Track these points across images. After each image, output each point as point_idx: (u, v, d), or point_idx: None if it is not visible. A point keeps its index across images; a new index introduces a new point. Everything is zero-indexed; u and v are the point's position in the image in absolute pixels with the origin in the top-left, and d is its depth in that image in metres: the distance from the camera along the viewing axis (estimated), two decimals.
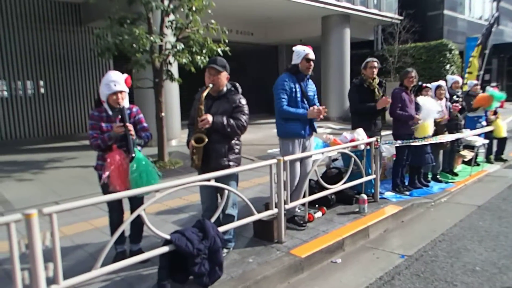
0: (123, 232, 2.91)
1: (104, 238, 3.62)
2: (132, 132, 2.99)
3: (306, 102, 3.95)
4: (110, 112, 3.10)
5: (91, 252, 3.49)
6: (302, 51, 3.88)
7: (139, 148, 3.09)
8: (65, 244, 3.56)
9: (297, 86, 3.89)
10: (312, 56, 3.89)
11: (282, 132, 3.96)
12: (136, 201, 3.09)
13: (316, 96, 4.11)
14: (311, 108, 3.85)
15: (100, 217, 4.15)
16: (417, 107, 5.21)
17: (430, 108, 5.21)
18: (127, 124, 2.98)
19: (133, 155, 2.92)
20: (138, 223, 3.09)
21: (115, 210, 3.22)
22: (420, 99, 5.27)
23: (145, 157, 3.03)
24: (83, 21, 11.19)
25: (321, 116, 3.85)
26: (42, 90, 10.73)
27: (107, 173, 2.93)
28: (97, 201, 2.50)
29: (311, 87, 4.06)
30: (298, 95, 3.88)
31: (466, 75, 11.97)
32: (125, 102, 3.14)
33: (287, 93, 3.83)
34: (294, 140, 3.90)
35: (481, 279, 3.11)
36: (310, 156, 4.06)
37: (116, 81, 3.07)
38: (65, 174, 6.72)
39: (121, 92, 3.08)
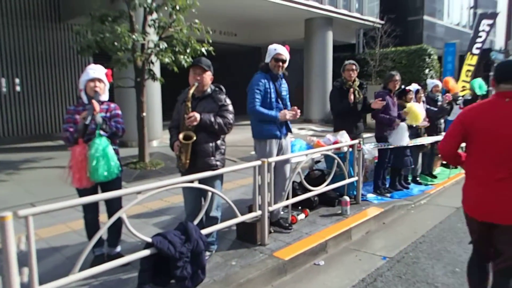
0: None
1: (82, 241, 3.52)
2: (96, 108, 2.91)
3: (280, 101, 3.87)
4: (86, 101, 3.04)
5: (68, 255, 3.39)
6: (273, 50, 3.80)
7: (102, 132, 2.97)
8: (41, 248, 3.45)
9: (271, 85, 3.80)
10: (282, 56, 3.77)
11: (257, 133, 3.88)
12: (113, 202, 3.02)
13: (288, 96, 4.03)
14: (283, 111, 3.77)
15: (78, 219, 4.01)
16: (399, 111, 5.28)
17: (402, 135, 5.23)
18: (93, 100, 2.93)
19: (86, 122, 2.86)
20: (116, 226, 3.00)
21: (90, 211, 3.13)
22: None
23: (106, 143, 2.93)
24: (62, 17, 10.89)
25: (297, 115, 3.77)
26: (18, 88, 10.38)
27: (68, 169, 2.89)
28: (75, 203, 2.43)
29: (285, 87, 3.98)
30: (273, 95, 3.79)
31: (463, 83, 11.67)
32: (104, 96, 3.10)
33: (261, 93, 3.74)
34: (272, 141, 3.82)
35: (461, 280, 3.16)
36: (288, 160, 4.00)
37: (95, 69, 3.08)
38: (41, 175, 6.51)
39: (99, 80, 3.06)
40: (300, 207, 4.41)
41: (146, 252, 2.70)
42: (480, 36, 12.26)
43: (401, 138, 5.20)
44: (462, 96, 8.21)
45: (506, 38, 22.08)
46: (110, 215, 3.07)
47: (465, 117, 2.39)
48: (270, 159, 3.53)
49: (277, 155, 3.85)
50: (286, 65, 3.86)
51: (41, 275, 2.23)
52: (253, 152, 4.68)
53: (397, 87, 5.33)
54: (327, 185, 4.38)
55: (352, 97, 4.82)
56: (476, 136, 2.32)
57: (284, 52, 3.81)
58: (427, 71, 14.95)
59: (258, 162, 3.44)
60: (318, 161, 5.39)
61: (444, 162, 7.08)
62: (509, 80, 2.25)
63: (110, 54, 6.49)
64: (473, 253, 2.57)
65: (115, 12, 6.61)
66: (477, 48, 12.16)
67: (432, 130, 6.16)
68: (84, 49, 6.38)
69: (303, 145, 4.74)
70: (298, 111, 3.80)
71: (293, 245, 3.59)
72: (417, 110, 5.28)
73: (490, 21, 12.35)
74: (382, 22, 15.31)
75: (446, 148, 2.48)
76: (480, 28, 12.27)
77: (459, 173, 6.85)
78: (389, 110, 5.17)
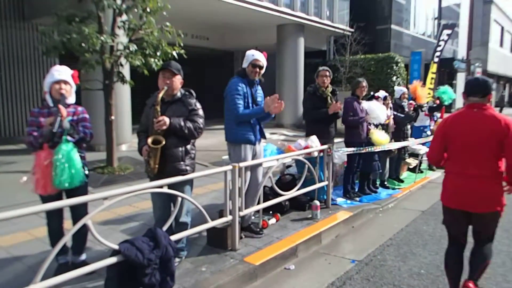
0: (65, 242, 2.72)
1: (46, 249, 3.37)
2: (63, 113, 2.83)
3: (255, 107, 3.89)
4: (51, 104, 2.94)
5: (30, 264, 3.24)
6: (251, 55, 3.84)
7: (69, 138, 2.89)
8: (0, 257, 3.28)
9: (248, 90, 3.84)
10: (259, 62, 3.81)
11: (232, 138, 3.88)
12: (79, 208, 2.92)
13: (263, 102, 3.99)
14: (265, 100, 3.71)
15: (41, 226, 3.84)
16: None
17: (378, 112, 5.45)
18: (60, 105, 2.84)
19: (54, 130, 2.77)
20: (81, 233, 2.90)
21: (54, 218, 3.01)
22: (366, 104, 5.47)
23: (71, 148, 2.85)
24: (26, 17, 10.48)
25: (279, 103, 3.62)
26: None
27: (32, 175, 2.79)
28: (38, 209, 2.33)
29: (260, 93, 4.02)
30: (249, 100, 3.84)
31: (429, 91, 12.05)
32: (71, 99, 3.02)
33: (242, 97, 3.77)
34: (246, 146, 3.83)
35: (426, 282, 3.27)
36: (261, 164, 4.03)
37: (60, 71, 3.00)
38: (2, 180, 6.21)
39: (65, 82, 2.98)
40: (271, 212, 4.42)
41: (113, 260, 2.62)
42: (440, 45, 12.87)
43: (381, 113, 5.43)
44: (427, 103, 8.52)
45: (467, 48, 23.17)
46: (75, 221, 2.96)
47: (445, 127, 2.88)
48: (241, 164, 3.53)
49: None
50: (263, 71, 3.89)
51: (0, 285, 2.12)
52: (225, 157, 4.65)
53: (364, 93, 5.50)
54: (298, 189, 4.42)
55: (333, 108, 4.88)
56: (454, 141, 2.81)
57: (261, 58, 3.85)
58: (394, 78, 15.42)
59: (229, 167, 3.43)
60: (289, 166, 5.43)
61: (411, 167, 7.32)
62: (475, 94, 2.77)
63: (77, 55, 6.30)
64: (449, 245, 3.02)
65: (82, 12, 6.43)
66: (436, 57, 12.74)
67: (399, 136, 6.35)
68: (50, 50, 6.16)
69: (274, 150, 4.76)
70: (277, 99, 3.68)
71: (264, 250, 3.59)
72: (379, 138, 5.51)
73: (449, 31, 12.98)
74: (352, 30, 15.68)
75: (434, 157, 3.00)
76: (441, 38, 12.89)
77: (424, 178, 7.11)
78: (357, 116, 5.29)
